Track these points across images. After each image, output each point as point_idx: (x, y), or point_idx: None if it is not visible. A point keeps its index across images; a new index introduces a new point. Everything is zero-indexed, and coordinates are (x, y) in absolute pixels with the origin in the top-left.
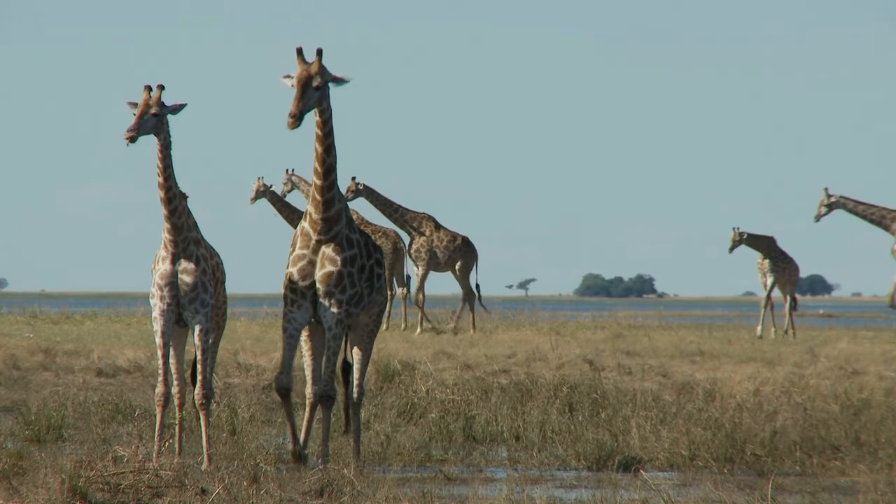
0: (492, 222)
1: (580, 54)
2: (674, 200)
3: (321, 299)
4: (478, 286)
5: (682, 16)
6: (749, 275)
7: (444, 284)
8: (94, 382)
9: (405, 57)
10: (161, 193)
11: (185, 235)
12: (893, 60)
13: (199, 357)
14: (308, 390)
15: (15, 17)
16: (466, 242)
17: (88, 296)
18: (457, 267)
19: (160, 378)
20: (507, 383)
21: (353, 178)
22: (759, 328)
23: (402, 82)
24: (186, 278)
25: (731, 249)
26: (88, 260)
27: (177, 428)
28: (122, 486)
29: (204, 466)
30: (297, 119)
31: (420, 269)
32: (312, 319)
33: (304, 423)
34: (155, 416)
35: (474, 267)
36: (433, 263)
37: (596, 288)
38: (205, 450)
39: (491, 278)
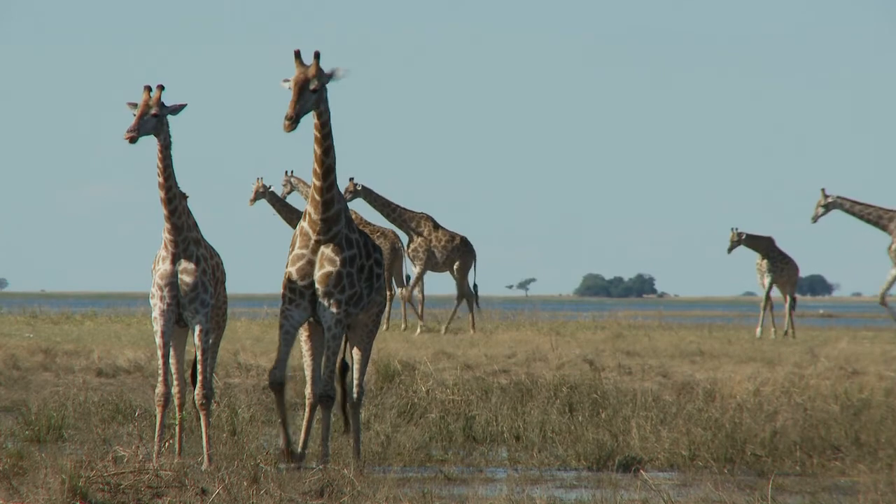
0: (492, 222)
1: (580, 54)
2: (674, 200)
3: (320, 299)
4: (476, 286)
5: (682, 16)
6: (749, 275)
7: (444, 285)
8: (94, 382)
9: (405, 57)
10: (161, 193)
11: (186, 235)
12: (893, 60)
13: (199, 357)
14: (308, 390)
15: (15, 17)
16: (465, 242)
17: (88, 296)
18: (455, 267)
19: (160, 378)
20: (507, 383)
21: (351, 179)
22: (758, 329)
23: (402, 82)
24: (186, 278)
25: (730, 250)
26: (88, 260)
27: (177, 428)
28: (122, 486)
29: (204, 466)
30: (293, 121)
31: (417, 268)
32: (312, 319)
33: (304, 423)
34: (155, 416)
35: (472, 267)
36: (431, 263)
37: (596, 288)
38: (205, 450)
39: (491, 278)
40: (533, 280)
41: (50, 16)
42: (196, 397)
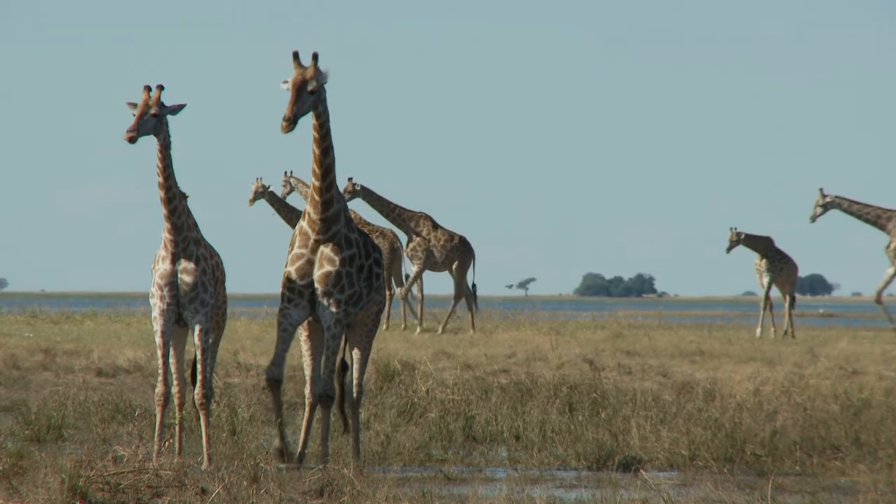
0: (491, 222)
1: (580, 54)
2: (674, 200)
3: (320, 299)
4: (474, 286)
5: (682, 16)
6: (749, 275)
7: (444, 284)
8: (94, 382)
9: (404, 57)
10: (161, 193)
11: (185, 235)
12: (893, 60)
13: (199, 357)
14: (307, 390)
15: (15, 17)
16: (464, 242)
17: (88, 296)
18: (454, 267)
19: (160, 378)
20: (507, 383)
21: (350, 179)
22: (758, 329)
23: (402, 82)
24: (186, 278)
25: (729, 250)
26: (88, 260)
27: (177, 428)
28: (122, 486)
29: (204, 466)
30: (290, 123)
31: (415, 267)
32: (311, 319)
33: (304, 423)
34: (155, 416)
35: (471, 267)
36: (429, 263)
37: (596, 288)
38: (205, 450)
39: (491, 278)
40: (533, 280)
41: (50, 16)
42: (196, 397)
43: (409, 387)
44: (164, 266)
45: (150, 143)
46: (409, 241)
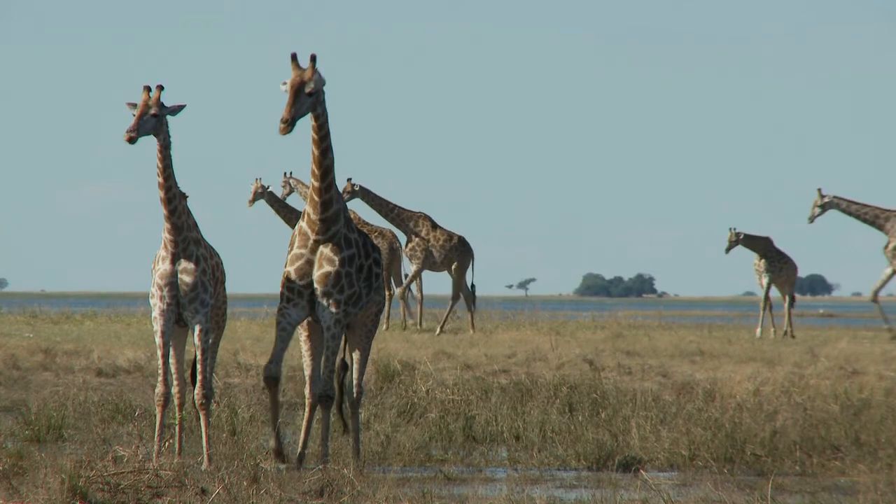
0: (491, 222)
1: (580, 54)
2: (674, 200)
3: (319, 299)
4: (473, 286)
5: (682, 16)
6: (749, 275)
7: (444, 284)
8: (94, 382)
9: (404, 57)
10: (161, 193)
11: (185, 235)
12: (893, 60)
13: (199, 357)
14: (307, 391)
15: (15, 17)
16: (463, 242)
17: (88, 296)
18: (453, 267)
19: (160, 378)
20: (507, 383)
21: (349, 180)
22: (758, 329)
23: (401, 82)
24: (186, 278)
25: (728, 250)
26: (88, 260)
27: (177, 428)
28: (122, 486)
29: (204, 466)
30: (288, 124)
31: (414, 267)
32: (311, 319)
33: (304, 423)
34: (155, 416)
35: (470, 267)
36: (428, 263)
37: (596, 288)
38: (205, 450)
39: (491, 278)
40: (533, 280)
41: (50, 16)
42: (196, 397)
43: (409, 387)
44: (164, 266)
45: (150, 143)
46: (409, 241)
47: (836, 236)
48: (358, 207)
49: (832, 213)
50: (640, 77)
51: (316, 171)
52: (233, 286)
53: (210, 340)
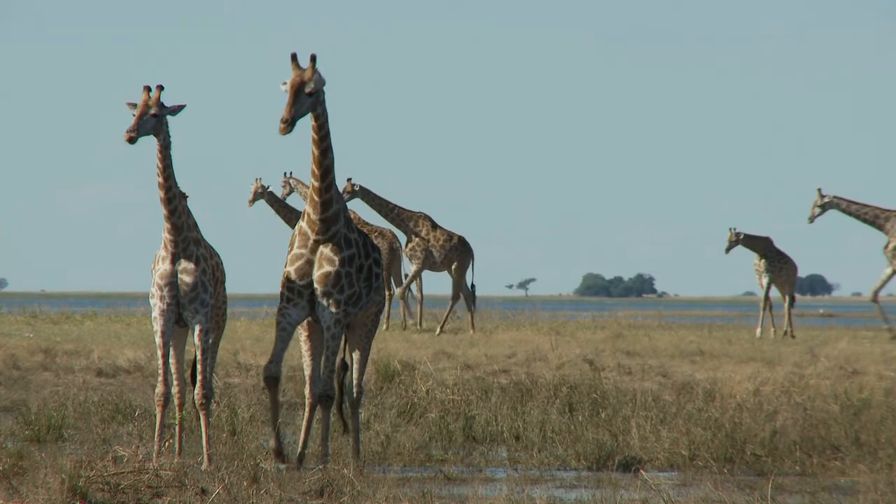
0: (491, 222)
1: (580, 54)
2: (674, 200)
3: (319, 299)
4: (473, 286)
5: (682, 16)
6: (749, 275)
7: (444, 284)
8: (94, 382)
9: (404, 56)
10: (161, 193)
11: (185, 235)
12: (893, 60)
13: (199, 357)
14: (307, 391)
15: (15, 17)
16: (462, 242)
17: (88, 296)
18: (453, 267)
19: (160, 378)
20: (507, 383)
21: (349, 180)
22: (758, 329)
23: (401, 82)
24: (186, 278)
25: (728, 250)
26: (88, 260)
27: (177, 428)
28: (122, 486)
29: (204, 466)
30: (288, 125)
31: (414, 267)
32: (311, 319)
33: (304, 423)
34: (155, 416)
35: (470, 267)
36: (428, 263)
37: (596, 288)
38: (205, 450)
39: (491, 278)
40: (533, 280)
41: (50, 16)
42: (196, 397)
43: (409, 387)
44: (164, 266)
45: (150, 143)
46: (409, 241)
47: (836, 236)
48: (358, 207)
49: (832, 213)
50: (640, 77)
51: (316, 171)
52: (233, 286)
53: (210, 340)
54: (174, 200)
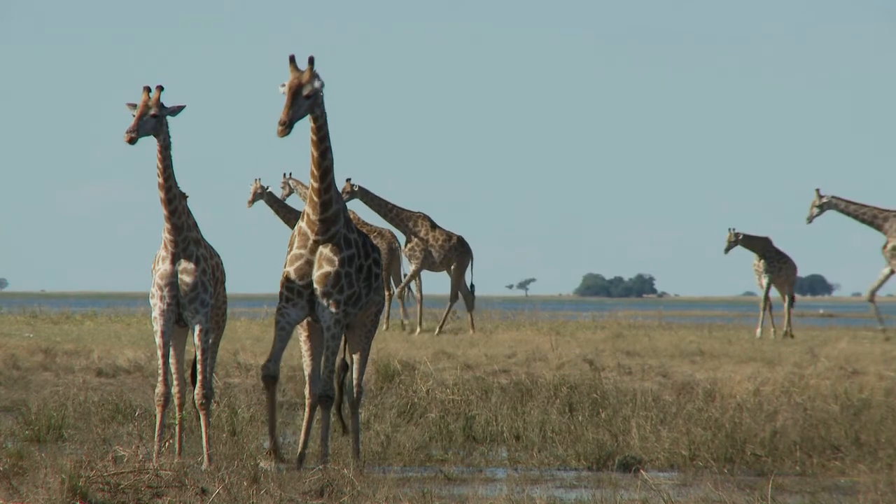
0: (491, 222)
1: (580, 54)
2: (674, 200)
3: (319, 299)
4: (472, 286)
5: (682, 16)
6: (749, 275)
7: (444, 284)
8: (94, 382)
9: (404, 57)
10: (161, 194)
11: (185, 235)
12: (893, 60)
13: (199, 357)
14: (307, 391)
15: (15, 17)
16: (462, 242)
17: (88, 296)
18: (452, 267)
19: (160, 378)
20: (507, 383)
21: (348, 180)
22: (758, 329)
23: (401, 82)
24: (186, 278)
25: (727, 250)
26: (88, 260)
27: (177, 428)
28: (122, 486)
29: (204, 466)
30: (286, 127)
31: (413, 266)
32: (311, 319)
33: (304, 423)
34: (155, 416)
35: (469, 267)
36: (427, 263)
37: (596, 288)
38: (205, 450)
39: (491, 278)
40: (533, 280)
41: (50, 16)
42: (196, 397)
43: (409, 387)
44: (164, 266)
45: (150, 143)
46: (408, 241)
47: (836, 236)
48: (357, 208)
49: (831, 213)
50: (640, 77)
51: (315, 172)
52: (233, 286)
53: (210, 340)
54: (174, 201)
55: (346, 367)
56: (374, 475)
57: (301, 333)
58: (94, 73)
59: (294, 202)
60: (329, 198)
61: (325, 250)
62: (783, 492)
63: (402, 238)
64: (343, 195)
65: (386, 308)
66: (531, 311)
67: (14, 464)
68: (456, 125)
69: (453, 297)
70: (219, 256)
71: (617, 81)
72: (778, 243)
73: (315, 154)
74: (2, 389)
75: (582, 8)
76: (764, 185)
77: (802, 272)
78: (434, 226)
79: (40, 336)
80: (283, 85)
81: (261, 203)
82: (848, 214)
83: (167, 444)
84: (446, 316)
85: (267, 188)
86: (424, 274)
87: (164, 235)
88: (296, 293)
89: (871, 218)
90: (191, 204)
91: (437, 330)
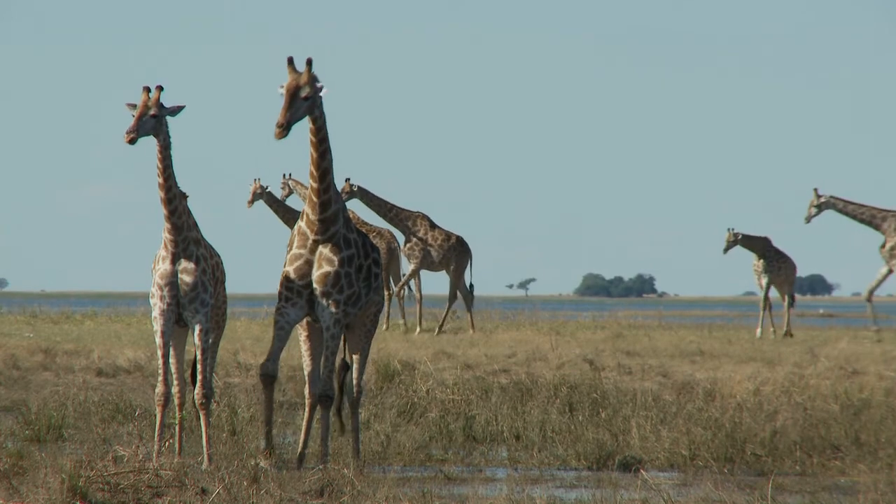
0: (491, 222)
1: (580, 54)
2: (674, 200)
3: (319, 299)
4: (471, 286)
5: (682, 16)
6: (749, 275)
7: (444, 284)
8: (94, 382)
9: (403, 57)
10: (161, 194)
11: (185, 235)
12: (893, 60)
13: (199, 357)
14: (307, 391)
15: (15, 17)
16: (461, 242)
17: (88, 296)
18: (451, 267)
19: (160, 378)
20: (507, 383)
21: (348, 180)
22: (758, 329)
23: (400, 83)
24: (186, 278)
25: (726, 250)
26: (88, 260)
27: (177, 428)
28: (122, 486)
29: (204, 466)
30: (283, 129)
31: (412, 266)
32: (310, 319)
33: (304, 423)
34: (155, 416)
35: (468, 267)
36: (426, 262)
37: (596, 288)
38: (205, 450)
39: (491, 278)
40: (533, 280)
41: (50, 16)
42: (196, 397)
43: (409, 387)
44: (164, 266)
45: (150, 143)
46: (407, 241)
47: (836, 236)
48: (357, 207)
49: (831, 213)
50: (640, 77)
51: (314, 172)
52: (233, 286)
53: (210, 340)
54: (174, 200)
55: (346, 366)
56: (374, 475)
57: (301, 333)
58: (94, 73)
59: (294, 202)
60: (328, 198)
61: (324, 250)
62: (783, 492)
63: (401, 238)
64: (342, 195)
65: (385, 308)
66: (531, 311)
67: (14, 464)
68: (455, 125)
69: (452, 297)
70: (219, 256)
71: (617, 81)
72: (777, 243)
73: (314, 155)
74: (2, 389)
75: (582, 8)
76: (763, 185)
77: (802, 272)
78: (433, 225)
79: (40, 336)
80: (282, 87)
81: (260, 203)
82: (846, 214)
83: (167, 443)
84: (446, 316)
85: (266, 188)
86: (424, 274)
87: (164, 235)
88: (295, 293)
89: (870, 218)
90: (191, 204)
91: (437, 330)
